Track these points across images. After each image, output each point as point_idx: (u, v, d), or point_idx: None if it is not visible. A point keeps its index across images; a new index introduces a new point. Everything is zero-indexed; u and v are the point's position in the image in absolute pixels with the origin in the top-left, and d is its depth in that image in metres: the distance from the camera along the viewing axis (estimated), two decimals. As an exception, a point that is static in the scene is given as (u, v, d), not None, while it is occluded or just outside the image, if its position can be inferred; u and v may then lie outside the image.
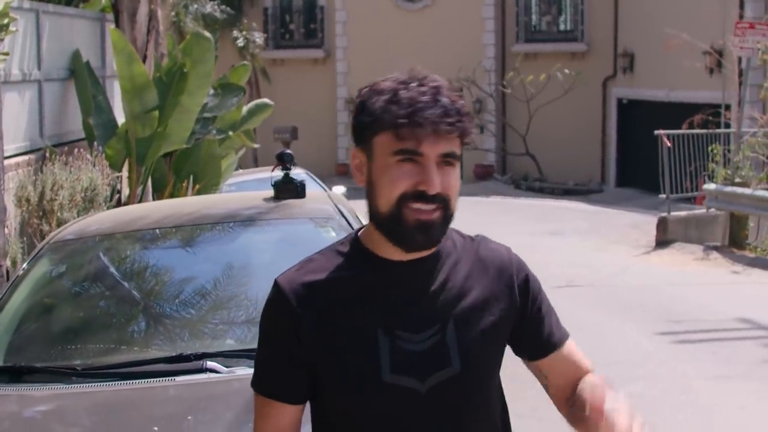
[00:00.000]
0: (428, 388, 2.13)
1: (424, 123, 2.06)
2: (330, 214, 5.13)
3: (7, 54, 6.24)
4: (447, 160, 2.10)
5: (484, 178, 28.24)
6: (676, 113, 19.04)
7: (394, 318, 2.15)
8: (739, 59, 16.49)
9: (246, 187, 12.09)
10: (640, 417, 2.10)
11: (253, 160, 26.20)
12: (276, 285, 2.22)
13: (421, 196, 2.07)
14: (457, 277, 2.20)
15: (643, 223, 17.44)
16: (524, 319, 2.25)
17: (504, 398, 2.35)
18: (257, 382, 2.24)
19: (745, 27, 15.72)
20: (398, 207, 2.08)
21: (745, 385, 7.74)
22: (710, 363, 8.40)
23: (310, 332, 2.15)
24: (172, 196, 11.40)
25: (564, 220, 19.17)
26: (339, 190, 11.65)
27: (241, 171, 15.60)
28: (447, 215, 2.12)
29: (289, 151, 5.43)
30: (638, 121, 25.31)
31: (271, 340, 2.21)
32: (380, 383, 2.12)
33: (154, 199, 10.84)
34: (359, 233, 2.24)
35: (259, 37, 28.93)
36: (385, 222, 2.12)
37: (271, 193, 5.36)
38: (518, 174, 28.19)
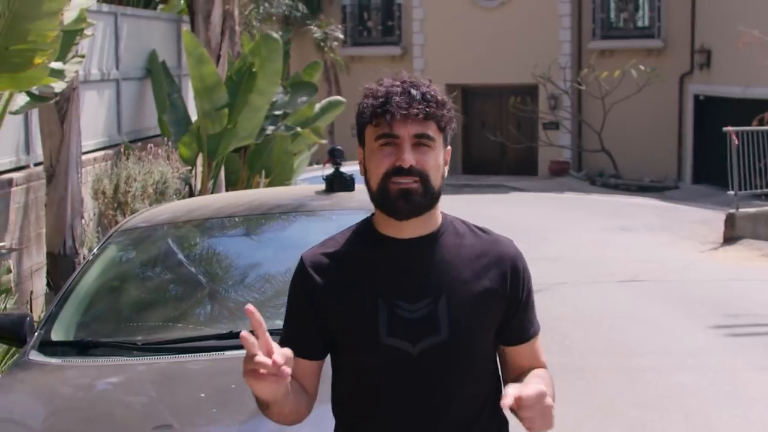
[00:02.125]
0: (419, 352, 2.46)
1: (393, 109, 2.44)
2: (377, 205, 5.47)
3: (83, 56, 6.68)
4: (421, 141, 2.47)
5: (560, 174, 28.29)
6: (752, 110, 18.93)
7: (393, 289, 2.49)
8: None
9: (319, 182, 12.49)
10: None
11: (329, 156, 26.62)
12: (300, 259, 2.63)
13: (399, 171, 2.44)
14: (454, 257, 2.53)
15: (713, 220, 17.45)
16: (510, 308, 2.56)
17: (497, 368, 2.64)
18: (281, 341, 2.57)
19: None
20: (384, 182, 2.47)
21: (792, 376, 7.91)
22: (761, 356, 8.55)
23: (323, 299, 2.54)
24: (246, 189, 11.85)
25: (635, 216, 19.24)
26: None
27: (315, 166, 16.00)
28: (427, 188, 2.47)
29: (339, 147, 5.80)
30: (714, 118, 25.16)
31: (293, 306, 2.62)
32: (378, 344, 2.47)
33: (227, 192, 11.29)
34: (373, 216, 2.60)
35: (337, 31, 29.31)
36: (376, 197, 2.51)
37: (323, 186, 5.74)
38: (593, 170, 28.18)
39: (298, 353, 2.51)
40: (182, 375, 4.22)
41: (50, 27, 5.51)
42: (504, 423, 2.63)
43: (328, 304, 2.54)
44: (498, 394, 2.55)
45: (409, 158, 2.44)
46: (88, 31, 6.75)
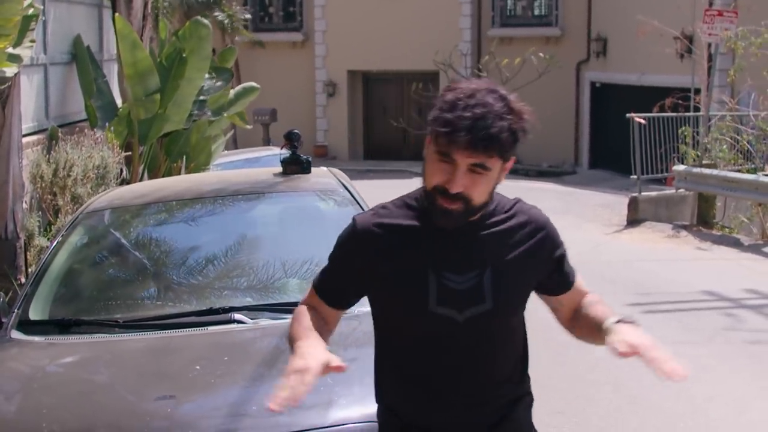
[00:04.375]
0: (465, 319, 2.66)
1: (456, 143, 2.51)
2: (333, 187, 5.73)
3: (33, 41, 6.76)
4: (475, 169, 2.54)
5: (460, 159, 28.69)
6: (647, 97, 19.49)
7: (442, 261, 2.66)
8: (709, 45, 17.06)
9: (234, 167, 12.61)
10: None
11: (233, 142, 26.61)
12: (353, 221, 2.78)
13: (446, 192, 2.56)
14: (498, 232, 2.72)
15: (615, 203, 18.02)
16: (550, 268, 2.80)
17: (525, 331, 2.90)
18: (316, 282, 2.84)
19: (714, 14, 16.25)
20: (433, 192, 2.59)
21: (706, 349, 8.35)
22: (675, 330, 8.98)
23: (373, 265, 2.70)
24: (165, 175, 11.91)
25: (538, 200, 19.01)
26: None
27: (227, 152, 16.08)
28: (469, 208, 2.59)
29: (296, 130, 6.02)
30: (611, 105, 25.85)
31: (336, 261, 2.80)
32: (427, 312, 2.65)
33: (148, 179, 11.35)
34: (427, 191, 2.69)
35: (244, 13, 29.15)
36: (426, 197, 2.64)
37: (279, 169, 5.96)
38: (493, 156, 28.64)
39: (330, 302, 2.80)
40: (171, 349, 4.37)
41: (13, 12, 5.60)
42: (528, 380, 2.91)
43: (378, 271, 2.69)
44: (525, 353, 2.87)
45: (459, 185, 2.54)
46: (40, 16, 6.82)
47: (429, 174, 2.60)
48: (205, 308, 4.66)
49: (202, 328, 4.51)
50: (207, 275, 5.13)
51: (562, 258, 2.84)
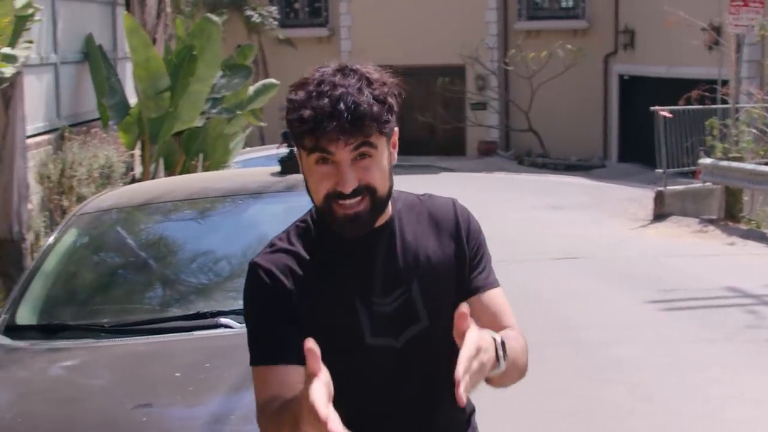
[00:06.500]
0: (403, 343, 2.33)
1: (326, 135, 2.17)
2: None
3: (32, 42, 6.67)
4: (360, 153, 2.21)
5: (488, 154, 28.59)
6: (676, 89, 19.27)
7: (366, 285, 2.31)
8: (736, 36, 16.80)
9: (254, 164, 12.53)
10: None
11: (260, 138, 26.58)
12: (256, 265, 2.31)
13: (342, 195, 2.21)
14: (412, 238, 2.37)
15: (641, 197, 17.83)
16: (468, 264, 2.40)
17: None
18: (261, 355, 2.28)
19: (740, 5, 16.00)
20: (327, 204, 2.24)
21: (726, 347, 8.18)
22: (697, 328, 8.82)
23: (297, 301, 2.28)
24: (182, 173, 11.85)
25: (565, 194, 19.58)
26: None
27: (248, 149, 16.02)
28: (375, 202, 2.25)
29: (291, 129, 5.87)
30: (639, 97, 25.57)
31: (266, 312, 2.28)
32: (364, 346, 2.31)
33: (165, 177, 11.29)
34: (315, 212, 2.35)
35: (274, 11, 29.13)
36: (321, 214, 2.29)
37: (277, 168, 5.82)
38: (521, 150, 28.51)
39: (289, 359, 2.24)
40: (154, 355, 4.28)
41: (3, 12, 5.51)
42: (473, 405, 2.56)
43: (299, 310, 2.29)
44: None
45: (351, 180, 2.21)
46: (36, 16, 6.74)
47: (314, 187, 2.25)
48: (191, 312, 4.54)
49: (188, 333, 4.39)
50: (197, 278, 5.02)
51: (480, 253, 2.42)
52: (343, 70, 2.25)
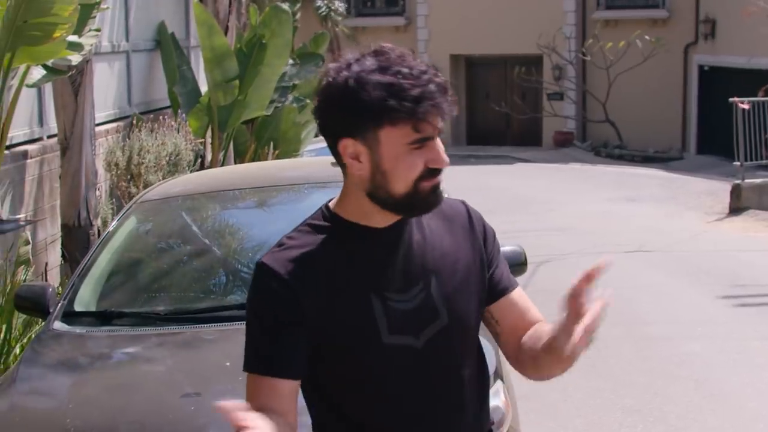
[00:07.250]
0: (424, 342, 2.24)
1: (440, 110, 2.12)
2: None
3: (99, 30, 6.72)
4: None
5: (564, 145, 28.31)
6: (757, 80, 18.93)
7: (382, 281, 2.22)
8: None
9: (326, 153, 12.53)
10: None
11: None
12: (263, 265, 2.21)
13: (434, 171, 2.16)
14: (430, 235, 2.30)
15: (719, 190, 17.49)
16: (489, 266, 2.37)
17: (480, 343, 2.43)
18: (255, 364, 2.21)
19: (822, -6, 15.64)
20: (415, 186, 2.15)
21: (799, 345, 7.99)
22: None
23: (306, 305, 2.17)
24: (253, 161, 11.91)
25: (641, 187, 19.30)
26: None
27: (320, 137, 16.05)
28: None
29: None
30: (719, 88, 25.12)
31: (266, 319, 2.20)
32: (381, 345, 2.20)
33: (236, 164, 11.35)
34: (332, 208, 2.28)
35: (340, 5, 29.26)
36: (402, 201, 2.18)
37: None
38: (598, 141, 28.18)
39: (282, 374, 2.17)
40: (206, 344, 4.31)
41: (68, 0, 5.54)
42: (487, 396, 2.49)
43: (312, 312, 2.18)
44: (481, 370, 2.41)
45: (446, 158, 2.17)
46: (103, 5, 6.79)
47: (407, 169, 2.14)
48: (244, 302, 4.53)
49: (240, 322, 4.38)
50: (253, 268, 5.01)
51: (496, 256, 2.40)
52: (392, 51, 2.16)
